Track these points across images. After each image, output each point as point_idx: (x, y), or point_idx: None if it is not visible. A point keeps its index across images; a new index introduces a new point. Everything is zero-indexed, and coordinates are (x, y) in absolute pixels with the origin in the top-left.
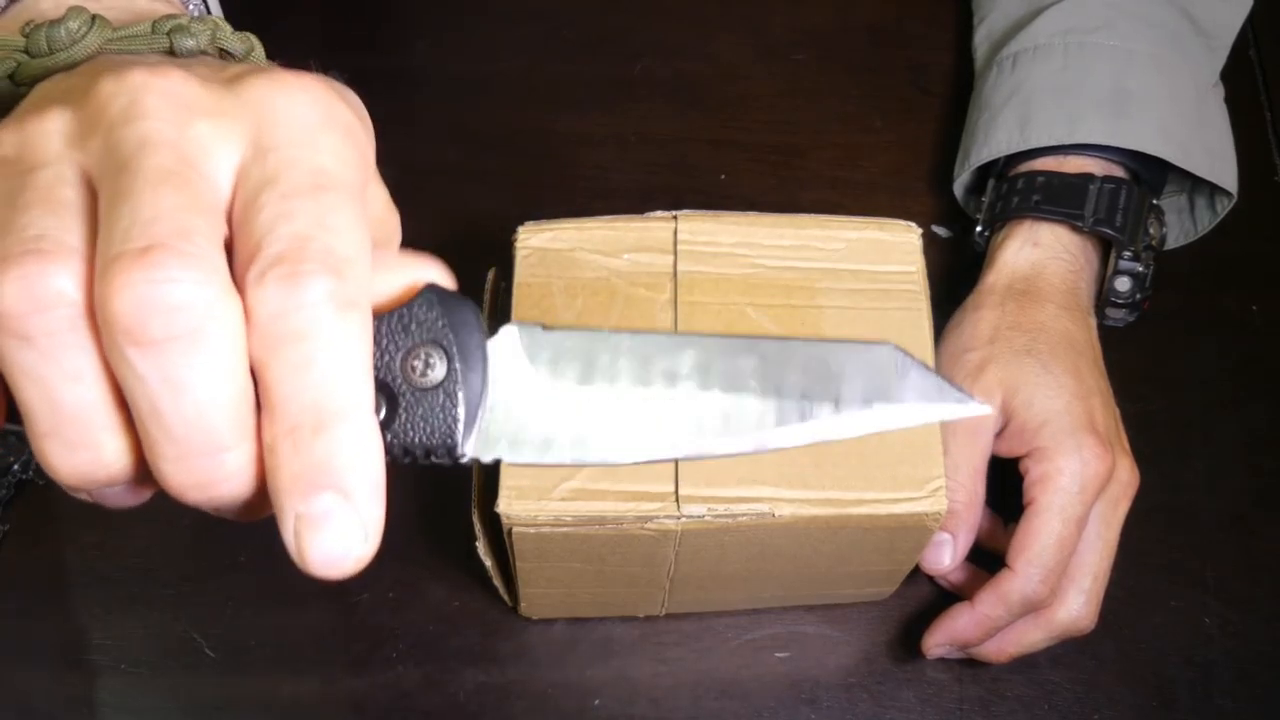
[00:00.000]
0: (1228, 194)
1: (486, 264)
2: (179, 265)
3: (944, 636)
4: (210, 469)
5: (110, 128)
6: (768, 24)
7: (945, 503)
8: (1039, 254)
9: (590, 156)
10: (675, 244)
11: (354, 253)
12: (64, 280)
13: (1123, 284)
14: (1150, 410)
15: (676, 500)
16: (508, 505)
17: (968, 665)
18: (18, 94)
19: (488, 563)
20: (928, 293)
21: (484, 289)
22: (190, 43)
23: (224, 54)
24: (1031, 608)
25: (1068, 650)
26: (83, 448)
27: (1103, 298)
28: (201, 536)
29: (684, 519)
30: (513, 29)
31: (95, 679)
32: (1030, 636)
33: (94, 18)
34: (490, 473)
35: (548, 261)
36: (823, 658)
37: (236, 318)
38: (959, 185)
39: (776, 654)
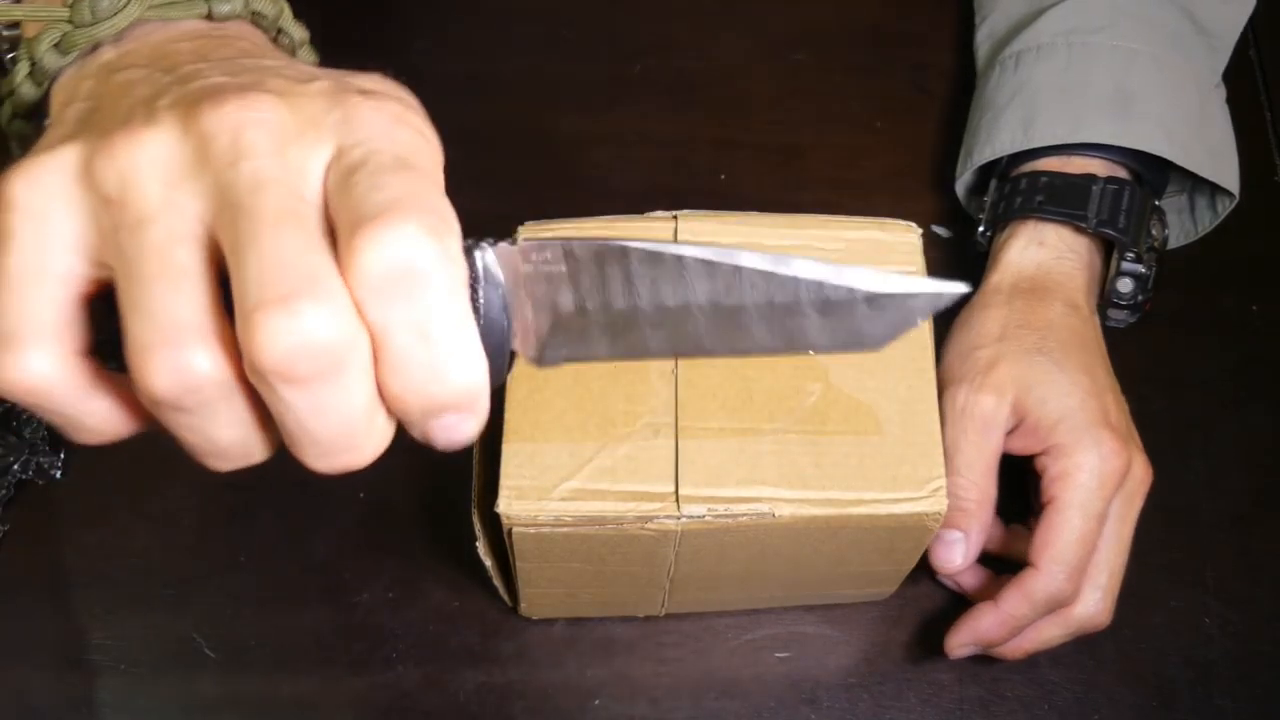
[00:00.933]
0: (1229, 194)
1: None
2: (316, 311)
3: (968, 636)
4: (351, 459)
5: (219, 170)
6: (768, 24)
7: (945, 503)
8: (1044, 254)
9: (590, 156)
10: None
11: (447, 215)
12: (204, 361)
13: (1125, 285)
14: (1150, 410)
15: (676, 500)
16: (508, 505)
17: (968, 665)
18: (63, 64)
19: (488, 563)
20: None
21: None
22: (225, 8)
23: (256, 16)
24: (1056, 605)
25: (1068, 650)
26: (238, 459)
27: (1104, 299)
28: (201, 536)
29: (684, 519)
30: (513, 29)
31: (95, 679)
32: (1048, 633)
33: None
34: (490, 473)
35: None
36: (823, 658)
37: (367, 340)
38: (961, 185)
39: (776, 654)
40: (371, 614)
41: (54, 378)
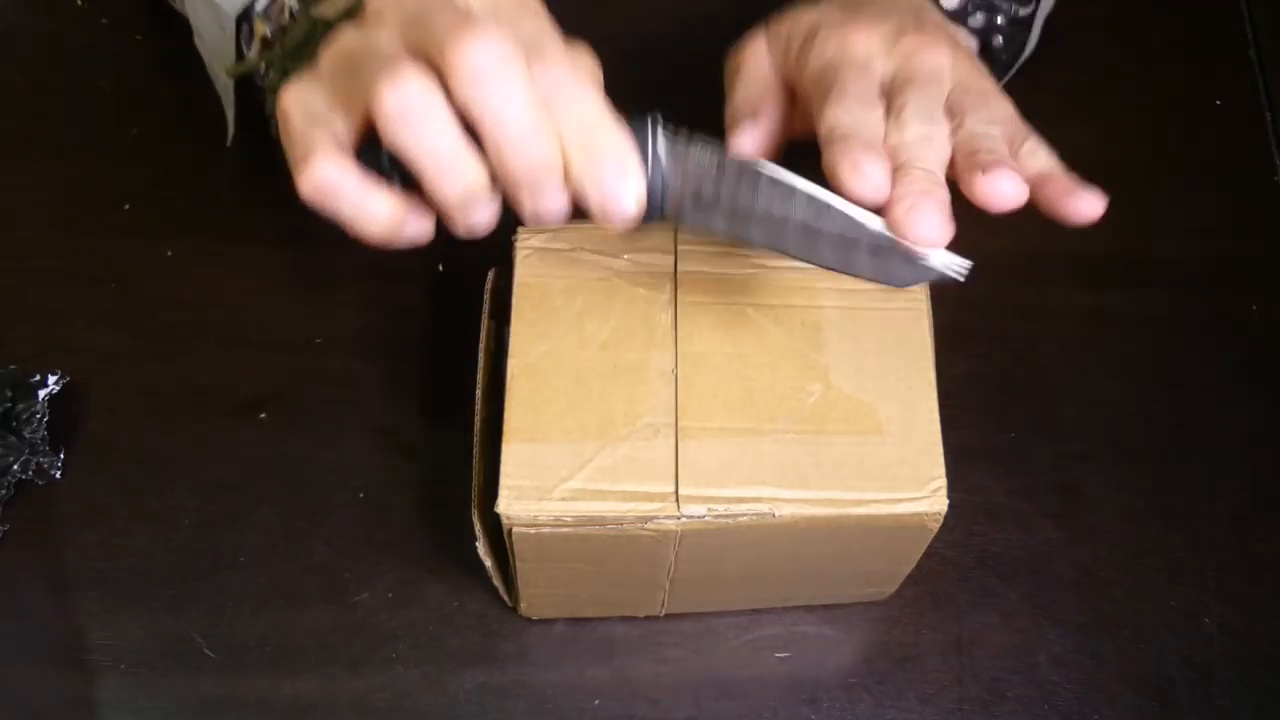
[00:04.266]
0: None
1: (487, 265)
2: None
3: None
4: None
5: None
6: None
7: (945, 503)
8: None
9: None
10: (675, 244)
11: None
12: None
13: (975, 20)
14: (1150, 410)
15: (676, 500)
16: (508, 505)
17: (968, 665)
18: None
19: (488, 563)
20: (927, 291)
21: (484, 290)
22: None
23: None
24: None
25: (1067, 650)
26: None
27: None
28: (201, 536)
29: (684, 519)
30: None
31: (95, 679)
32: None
33: None
34: (491, 473)
35: (548, 261)
36: (823, 658)
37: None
38: None
39: (776, 654)
40: (371, 614)
41: (338, 180)
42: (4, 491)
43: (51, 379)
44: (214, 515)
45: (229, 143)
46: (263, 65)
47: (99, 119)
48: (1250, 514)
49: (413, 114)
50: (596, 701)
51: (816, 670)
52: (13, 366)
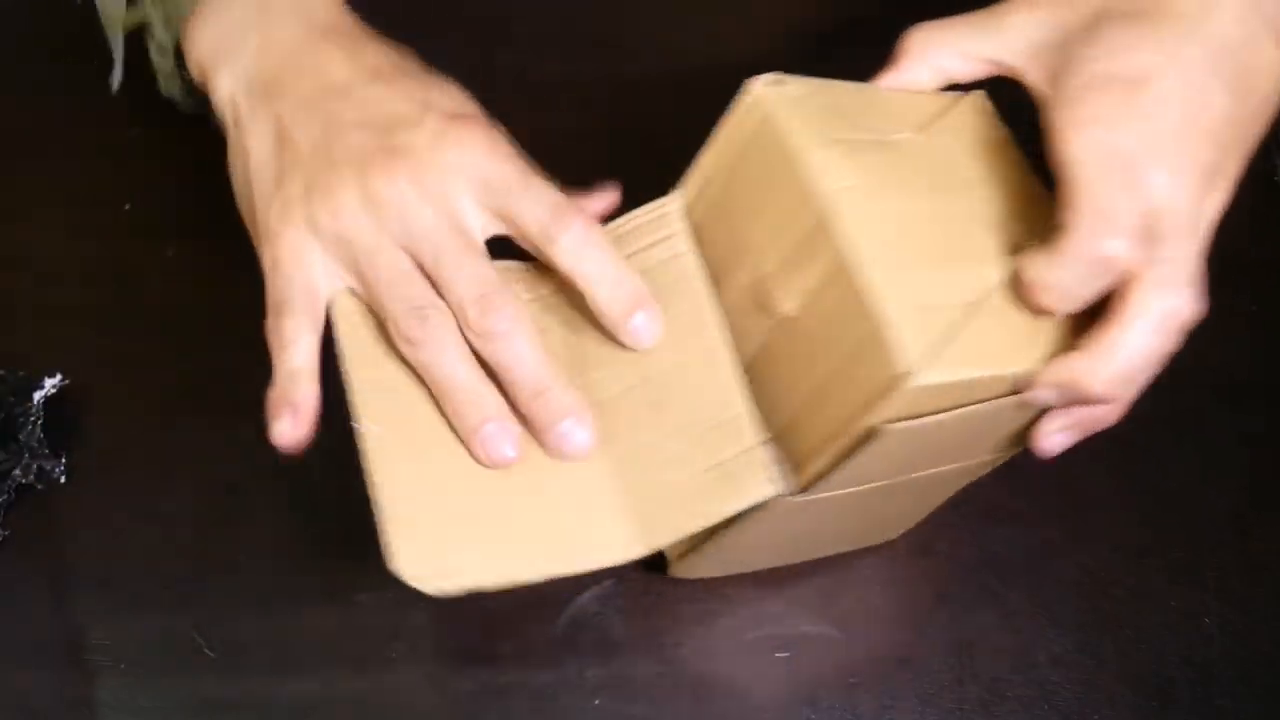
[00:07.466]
0: None
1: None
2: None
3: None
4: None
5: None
6: (768, 23)
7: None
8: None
9: (590, 156)
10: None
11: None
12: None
13: None
14: (1150, 409)
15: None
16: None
17: (968, 665)
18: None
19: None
20: None
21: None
22: None
23: None
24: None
25: (1067, 650)
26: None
27: None
28: (201, 536)
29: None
30: (511, 28)
31: (95, 679)
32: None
33: None
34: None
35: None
36: (823, 658)
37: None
38: None
39: (776, 654)
40: (371, 614)
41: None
42: (4, 497)
43: (49, 381)
44: (214, 515)
45: (114, 89)
46: (153, 21)
47: (99, 119)
48: (1250, 514)
49: (434, 346)
50: (596, 701)
51: (816, 670)
52: (4, 371)
